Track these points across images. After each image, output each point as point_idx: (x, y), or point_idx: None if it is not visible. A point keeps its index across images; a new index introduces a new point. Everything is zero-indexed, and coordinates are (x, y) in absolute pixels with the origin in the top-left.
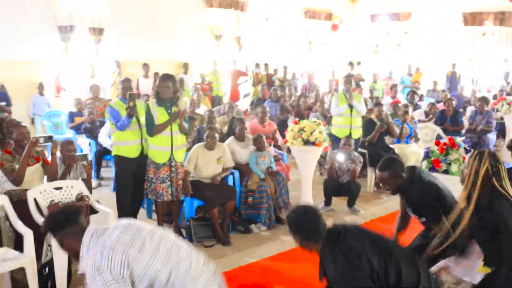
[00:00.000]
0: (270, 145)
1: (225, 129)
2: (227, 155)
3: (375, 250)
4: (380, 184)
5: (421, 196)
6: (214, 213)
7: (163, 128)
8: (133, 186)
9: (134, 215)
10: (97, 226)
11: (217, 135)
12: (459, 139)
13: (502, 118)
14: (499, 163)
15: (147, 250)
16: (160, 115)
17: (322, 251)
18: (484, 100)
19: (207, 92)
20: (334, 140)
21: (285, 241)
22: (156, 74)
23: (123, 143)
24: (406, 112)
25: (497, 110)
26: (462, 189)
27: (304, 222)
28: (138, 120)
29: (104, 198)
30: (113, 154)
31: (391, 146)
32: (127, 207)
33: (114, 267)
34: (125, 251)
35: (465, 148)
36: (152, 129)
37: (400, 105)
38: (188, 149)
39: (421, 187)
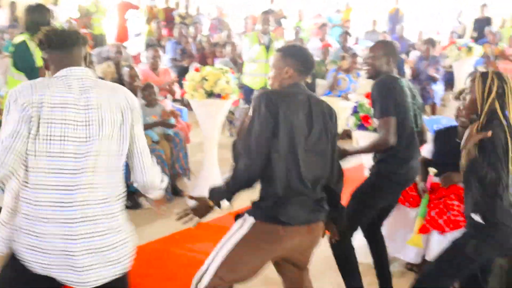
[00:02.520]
0: (165, 98)
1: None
2: None
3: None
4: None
5: (378, 86)
6: None
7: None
8: None
9: None
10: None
11: None
12: None
13: (451, 66)
14: (505, 83)
15: None
16: (39, 55)
17: None
18: (430, 43)
19: (85, 29)
20: (247, 92)
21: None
22: (13, 4)
23: None
24: (343, 58)
25: (446, 57)
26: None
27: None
28: None
29: None
30: None
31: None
32: None
33: None
34: None
35: None
36: (38, 74)
37: (331, 49)
38: None
39: (385, 79)
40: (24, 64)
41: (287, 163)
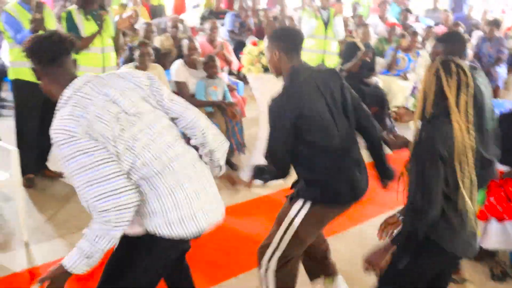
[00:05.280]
0: (222, 70)
1: (167, 51)
2: (163, 78)
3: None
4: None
5: None
6: None
7: (91, 40)
8: (40, 119)
9: (42, 155)
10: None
11: (151, 51)
12: None
13: None
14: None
15: None
16: (87, 26)
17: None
18: (495, 24)
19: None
20: None
21: (241, 192)
22: None
23: (26, 64)
24: (403, 36)
25: (511, 38)
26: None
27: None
28: None
29: (5, 132)
30: (11, 77)
31: (374, 78)
32: (32, 144)
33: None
34: None
35: None
36: (78, 43)
37: (399, 29)
38: None
39: None
40: (68, 33)
41: (325, 153)
